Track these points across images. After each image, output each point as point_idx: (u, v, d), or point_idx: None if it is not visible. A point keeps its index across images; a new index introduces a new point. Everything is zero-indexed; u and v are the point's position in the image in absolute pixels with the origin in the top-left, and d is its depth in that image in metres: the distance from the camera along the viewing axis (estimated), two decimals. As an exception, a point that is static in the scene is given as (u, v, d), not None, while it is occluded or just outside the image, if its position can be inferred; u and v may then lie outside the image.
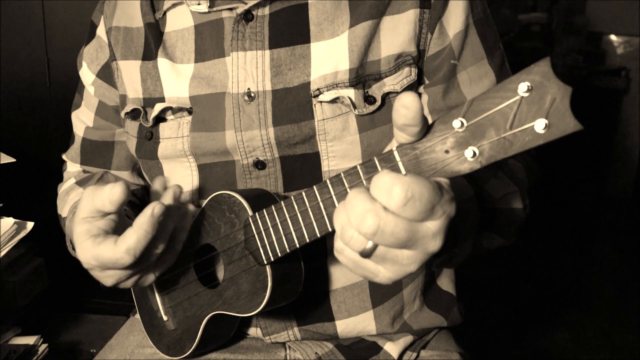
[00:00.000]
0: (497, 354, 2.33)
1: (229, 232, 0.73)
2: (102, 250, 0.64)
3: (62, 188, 0.99)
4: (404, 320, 0.88)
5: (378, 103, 0.77)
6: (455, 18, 0.77)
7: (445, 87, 0.80)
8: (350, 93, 0.76)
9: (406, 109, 0.47)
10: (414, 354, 0.89)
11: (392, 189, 0.45)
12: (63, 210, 0.94)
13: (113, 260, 0.64)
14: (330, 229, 0.59)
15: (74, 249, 0.85)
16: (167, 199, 0.70)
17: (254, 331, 0.89)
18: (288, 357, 0.87)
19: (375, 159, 0.53)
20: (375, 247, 0.48)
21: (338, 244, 0.52)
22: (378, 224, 0.45)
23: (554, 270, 3.11)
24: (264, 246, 0.68)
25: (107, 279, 0.69)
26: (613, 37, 4.23)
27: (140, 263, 0.66)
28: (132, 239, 0.63)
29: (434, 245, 0.48)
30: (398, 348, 0.87)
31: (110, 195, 0.63)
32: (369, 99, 0.77)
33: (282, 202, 0.64)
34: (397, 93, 0.78)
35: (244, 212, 0.71)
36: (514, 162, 0.82)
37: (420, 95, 0.81)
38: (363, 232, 0.46)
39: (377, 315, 0.86)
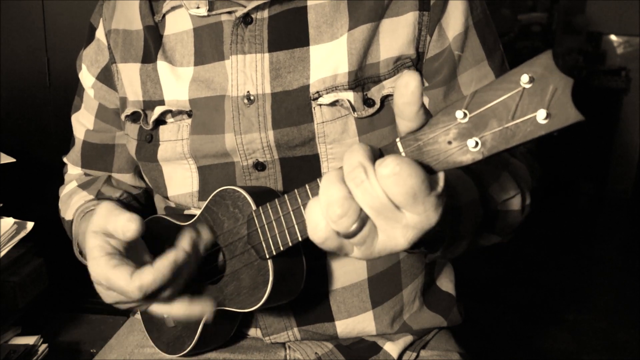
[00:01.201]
0: (497, 354, 2.33)
1: (232, 227, 0.73)
2: (115, 276, 0.64)
3: (64, 191, 0.99)
4: (404, 321, 0.88)
5: (377, 106, 0.77)
6: (454, 20, 0.77)
7: (446, 89, 0.80)
8: (350, 96, 0.76)
9: (406, 84, 0.47)
10: (414, 354, 0.89)
11: (386, 159, 0.45)
12: (66, 213, 0.94)
13: (123, 290, 0.64)
14: None
15: (80, 253, 0.85)
16: (186, 246, 0.67)
17: (253, 331, 0.89)
18: (288, 357, 0.87)
19: (379, 149, 0.53)
20: (359, 228, 0.48)
21: (319, 235, 0.51)
22: (364, 179, 0.46)
23: (554, 270, 3.11)
24: (266, 240, 0.68)
25: (108, 298, 0.69)
26: (613, 37, 4.23)
27: (147, 299, 0.66)
28: (149, 279, 0.63)
29: (403, 237, 0.48)
30: (398, 348, 0.87)
31: (124, 228, 0.63)
32: (368, 102, 0.77)
33: (286, 196, 0.64)
34: None
35: (247, 206, 0.71)
36: (518, 164, 0.82)
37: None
38: (351, 177, 0.47)
39: (377, 315, 0.86)
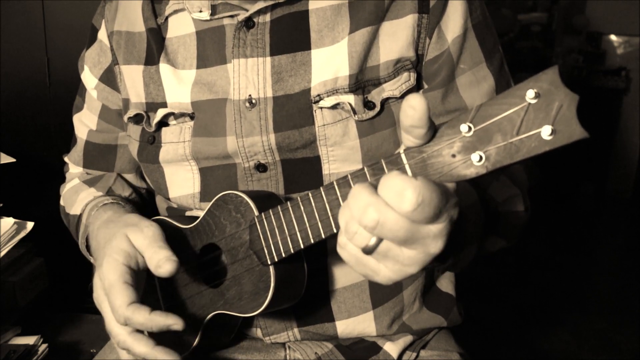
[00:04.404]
0: (497, 354, 2.33)
1: (234, 231, 0.73)
2: (117, 292, 0.67)
3: (66, 188, 0.99)
4: (403, 321, 0.88)
5: (377, 108, 0.77)
6: (453, 23, 0.77)
7: (444, 91, 0.80)
8: (350, 99, 0.76)
9: (413, 109, 0.47)
10: (414, 354, 0.89)
11: (404, 193, 0.44)
12: (72, 208, 0.94)
13: (113, 308, 0.67)
14: (335, 230, 0.59)
15: (87, 246, 0.86)
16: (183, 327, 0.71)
17: (254, 331, 0.89)
18: (288, 357, 0.87)
19: (383, 161, 0.53)
20: (377, 244, 0.49)
21: (341, 238, 0.52)
22: (379, 218, 0.46)
23: (554, 270, 3.11)
24: (268, 246, 0.69)
25: (95, 294, 0.73)
26: (613, 37, 4.23)
27: (121, 328, 0.70)
28: (139, 319, 0.66)
29: (435, 246, 0.48)
30: (398, 348, 0.87)
31: (158, 265, 0.68)
32: (368, 105, 0.77)
33: (289, 203, 0.64)
34: (396, 98, 0.78)
35: (250, 212, 0.71)
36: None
37: None
38: (364, 224, 0.47)
39: (377, 316, 0.86)
